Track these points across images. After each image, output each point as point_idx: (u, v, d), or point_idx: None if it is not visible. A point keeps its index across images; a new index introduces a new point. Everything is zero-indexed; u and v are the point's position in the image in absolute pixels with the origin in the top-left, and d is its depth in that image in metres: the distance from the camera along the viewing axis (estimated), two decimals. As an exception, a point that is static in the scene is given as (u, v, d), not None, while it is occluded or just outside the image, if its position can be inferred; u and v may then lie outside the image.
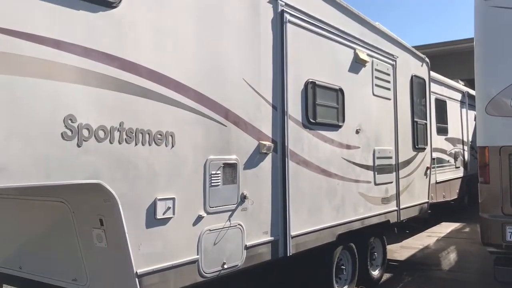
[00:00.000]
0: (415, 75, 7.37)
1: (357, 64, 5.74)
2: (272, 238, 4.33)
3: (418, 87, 7.47)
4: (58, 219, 3.36)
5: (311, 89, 4.86)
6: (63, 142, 2.69)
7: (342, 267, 5.59)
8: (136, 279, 3.06)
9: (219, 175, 3.78)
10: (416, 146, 7.28)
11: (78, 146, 2.77)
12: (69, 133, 2.71)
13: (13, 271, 3.88)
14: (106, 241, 3.12)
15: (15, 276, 3.90)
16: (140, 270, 3.10)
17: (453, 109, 11.61)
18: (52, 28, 2.65)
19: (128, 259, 3.02)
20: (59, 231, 3.45)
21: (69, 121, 2.71)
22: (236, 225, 3.92)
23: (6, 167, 2.45)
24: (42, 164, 2.60)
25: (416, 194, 7.29)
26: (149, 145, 3.22)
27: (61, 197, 3.25)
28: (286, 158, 4.50)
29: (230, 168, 3.90)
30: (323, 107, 5.06)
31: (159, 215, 3.27)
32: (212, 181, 3.71)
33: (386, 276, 6.72)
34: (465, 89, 12.73)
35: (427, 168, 7.72)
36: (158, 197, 3.27)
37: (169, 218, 3.35)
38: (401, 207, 6.68)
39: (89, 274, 3.33)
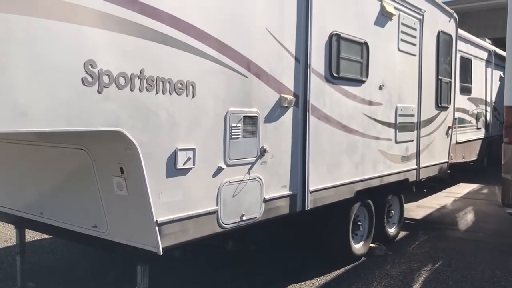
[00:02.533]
0: (442, 31, 7.10)
1: (383, 17, 5.52)
2: (291, 192, 4.31)
3: (444, 44, 7.21)
4: (79, 166, 3.37)
5: (335, 41, 4.70)
6: (84, 88, 2.64)
7: (359, 223, 5.59)
8: (156, 227, 3.07)
9: (240, 127, 3.73)
10: (439, 105, 7.11)
11: (99, 92, 2.72)
12: (89, 78, 2.65)
13: (35, 216, 3.95)
14: (127, 189, 3.12)
15: (36, 222, 3.97)
16: (160, 219, 3.11)
17: (478, 68, 11.27)
18: (71, -31, 2.55)
19: (148, 207, 3.02)
20: (79, 179, 3.46)
21: (90, 67, 2.65)
22: (255, 178, 3.90)
23: (27, 112, 2.41)
24: (63, 109, 2.56)
25: (436, 154, 7.18)
26: (170, 94, 3.16)
27: (82, 144, 3.23)
28: (307, 113, 4.41)
29: (250, 121, 3.84)
30: (347, 61, 4.91)
31: (180, 165, 3.25)
32: (232, 133, 3.66)
33: (402, 234, 6.73)
34: (492, 48, 12.30)
35: (449, 127, 7.56)
36: (179, 147, 3.24)
37: (189, 169, 3.33)
38: (420, 166, 6.59)
39: (109, 221, 3.36)
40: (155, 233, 3.08)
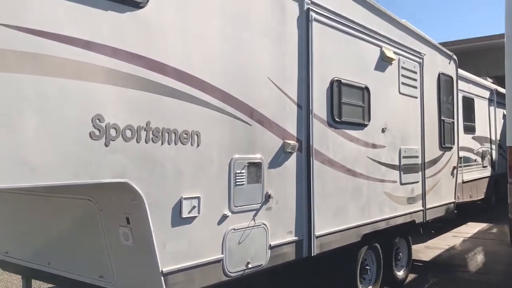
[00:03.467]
0: (442, 73, 7.23)
1: (383, 62, 5.66)
2: (297, 238, 4.31)
3: (445, 85, 7.33)
4: (85, 216, 3.41)
5: (336, 87, 4.81)
6: (91, 141, 2.72)
7: (367, 267, 5.53)
8: (162, 277, 3.08)
9: (244, 174, 3.78)
10: (443, 145, 7.16)
11: (106, 145, 2.79)
12: (97, 132, 2.74)
13: (42, 266, 3.95)
14: (133, 239, 3.15)
15: (43, 272, 3.97)
16: (165, 269, 3.12)
17: (481, 107, 11.37)
18: (80, 29, 2.68)
19: (154, 257, 3.04)
20: (86, 229, 3.49)
21: (97, 121, 2.74)
22: (260, 225, 3.91)
23: (36, 167, 2.49)
24: (71, 163, 2.64)
25: (443, 194, 7.16)
26: (175, 144, 3.23)
27: (89, 195, 3.29)
28: (311, 158, 4.46)
29: (254, 167, 3.89)
30: (349, 106, 5.00)
31: (185, 214, 3.28)
32: (237, 180, 3.71)
33: (411, 276, 6.63)
34: (494, 86, 12.45)
35: (454, 167, 7.58)
36: (184, 196, 3.28)
37: (194, 217, 3.36)
38: (427, 207, 6.57)
39: (115, 271, 3.37)
40: (160, 283, 3.08)
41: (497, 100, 12.37)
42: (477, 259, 7.88)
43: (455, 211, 7.82)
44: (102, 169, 2.79)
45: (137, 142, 2.98)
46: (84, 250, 3.58)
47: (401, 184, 5.98)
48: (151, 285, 3.15)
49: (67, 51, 2.60)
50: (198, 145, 3.40)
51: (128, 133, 2.92)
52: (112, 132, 2.82)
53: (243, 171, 3.77)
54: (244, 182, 3.78)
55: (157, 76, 3.09)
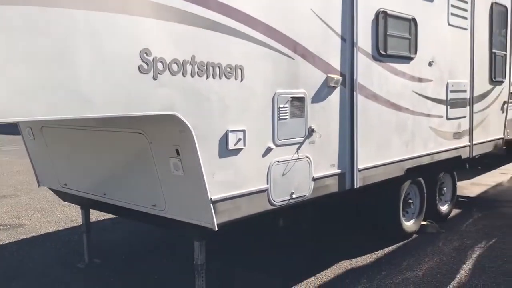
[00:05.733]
0: (495, 3, 6.84)
1: (432, -9, 5.42)
2: (339, 171, 4.38)
3: (498, 15, 6.95)
4: (137, 149, 3.59)
5: (382, 19, 4.68)
6: (140, 75, 2.82)
7: (410, 201, 5.59)
8: (211, 204, 3.25)
9: (287, 108, 3.83)
10: (494, 79, 6.90)
11: (154, 79, 2.89)
12: (145, 66, 2.83)
13: (98, 197, 4.23)
14: (183, 170, 3.31)
15: (100, 202, 4.26)
16: (214, 197, 3.28)
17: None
18: (125, -37, 2.71)
19: (203, 186, 3.20)
20: (138, 161, 3.68)
21: (145, 55, 2.82)
22: (304, 157, 4.00)
23: (91, 99, 2.62)
24: (122, 96, 2.76)
25: (491, 130, 6.99)
26: (220, 78, 3.30)
27: (140, 128, 3.44)
28: (355, 92, 4.44)
29: (297, 102, 3.93)
30: (395, 38, 4.87)
31: (231, 146, 3.40)
32: (280, 114, 3.77)
33: (455, 211, 6.66)
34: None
35: (504, 102, 7.33)
36: (230, 129, 3.39)
37: (240, 149, 3.48)
38: (474, 142, 6.46)
39: (167, 200, 3.58)
40: (210, 210, 3.26)
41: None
42: (525, 195, 7.77)
43: (504, 148, 7.64)
44: (151, 102, 2.91)
45: (183, 76, 3.06)
46: (137, 181, 3.80)
47: (448, 119, 5.87)
48: (201, 212, 3.33)
49: (114, -14, 2.66)
50: (242, 79, 3.45)
51: (175, 66, 3.00)
52: (159, 65, 2.91)
53: (286, 105, 3.82)
54: (287, 116, 3.84)
55: (201, 9, 3.11)
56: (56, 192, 4.84)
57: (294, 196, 3.91)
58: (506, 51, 7.24)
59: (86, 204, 4.79)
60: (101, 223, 6.49)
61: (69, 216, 6.88)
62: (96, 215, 6.41)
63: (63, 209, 7.25)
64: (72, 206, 7.24)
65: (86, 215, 4.97)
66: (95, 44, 2.59)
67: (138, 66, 2.80)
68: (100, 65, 2.62)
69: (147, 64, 2.84)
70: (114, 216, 6.46)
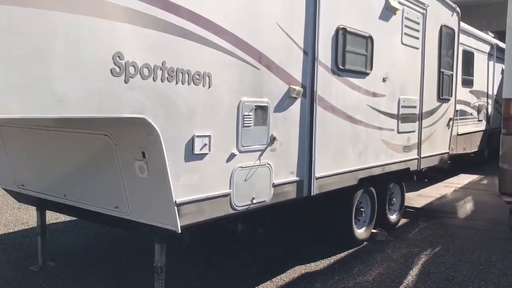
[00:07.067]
0: (444, 25, 7.30)
1: (387, 12, 5.73)
2: (298, 178, 4.56)
3: (446, 37, 7.41)
4: (102, 151, 3.61)
5: (341, 35, 4.93)
6: (112, 78, 2.88)
7: (362, 209, 5.85)
8: (175, 207, 3.33)
9: (251, 116, 3.97)
10: (441, 97, 7.33)
11: (125, 82, 2.96)
12: (117, 69, 2.89)
13: (58, 198, 4.20)
14: (148, 172, 3.37)
15: (59, 203, 4.22)
16: (179, 200, 3.36)
17: (480, 62, 11.46)
18: (102, -32, 2.78)
19: (168, 189, 3.27)
20: (102, 162, 3.71)
21: (118, 58, 2.89)
22: (265, 164, 4.14)
23: (63, 100, 2.66)
24: (94, 97, 2.81)
25: (437, 144, 7.41)
26: (188, 84, 3.40)
27: (106, 130, 3.48)
28: (314, 103, 4.65)
29: (261, 110, 4.08)
30: (352, 54, 5.14)
31: (197, 151, 3.50)
32: (245, 121, 3.91)
33: (403, 221, 7.00)
34: (494, 41, 12.47)
35: (450, 119, 7.79)
36: (196, 134, 3.49)
37: (205, 154, 3.58)
38: (422, 155, 6.83)
39: (130, 202, 3.62)
40: (174, 212, 3.33)
41: (497, 55, 12.43)
42: (466, 207, 8.26)
43: (449, 162, 8.10)
44: (122, 104, 2.97)
45: (154, 80, 3.14)
46: (100, 183, 3.82)
47: (398, 132, 6.20)
48: (165, 215, 3.40)
49: (90, -11, 2.72)
50: (209, 86, 3.57)
51: (146, 71, 3.08)
52: (131, 69, 2.98)
53: (250, 113, 3.96)
54: (251, 124, 3.98)
55: (173, 17, 3.21)
56: (11, 192, 4.76)
57: (254, 201, 4.04)
58: (452, 71, 7.71)
59: (43, 206, 4.72)
60: (55, 225, 6.37)
61: (20, 218, 6.70)
62: (50, 217, 6.29)
63: (12, 211, 7.05)
64: (23, 209, 7.06)
65: (42, 217, 4.89)
66: (70, 45, 2.63)
67: (111, 69, 2.86)
68: (74, 66, 2.67)
69: (119, 68, 2.91)
70: (70, 218, 6.39)
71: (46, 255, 4.94)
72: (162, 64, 3.19)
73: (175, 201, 3.33)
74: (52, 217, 6.44)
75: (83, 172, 3.93)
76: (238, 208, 3.91)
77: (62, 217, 6.54)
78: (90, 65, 2.75)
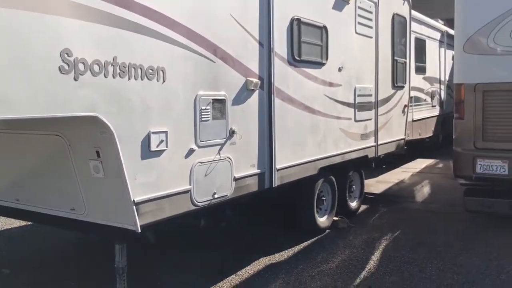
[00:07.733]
0: (396, 14, 7.43)
1: (341, 2, 5.78)
2: (259, 170, 4.55)
3: (399, 25, 7.55)
4: (55, 152, 3.48)
5: (296, 26, 4.93)
6: (61, 75, 2.77)
7: (323, 198, 5.91)
8: (134, 206, 3.25)
9: (209, 110, 3.92)
10: (395, 84, 7.48)
11: (75, 79, 2.85)
12: (66, 67, 2.78)
13: (9, 203, 4.04)
14: (103, 172, 3.27)
15: (11, 208, 4.06)
16: (137, 198, 3.28)
17: (431, 49, 11.75)
18: (44, -39, 2.65)
19: (125, 188, 3.19)
20: (55, 164, 3.58)
21: (66, 55, 2.78)
22: (225, 158, 4.11)
23: (7, 99, 2.53)
24: (42, 97, 2.69)
25: (394, 131, 7.57)
26: (141, 79, 3.31)
27: (57, 130, 3.35)
28: (272, 95, 4.64)
29: (219, 104, 4.03)
30: (308, 45, 5.15)
31: (153, 147, 3.42)
32: (202, 116, 3.85)
33: (363, 207, 7.12)
34: (445, 28, 12.82)
35: (405, 106, 7.96)
36: (152, 130, 3.41)
37: (163, 151, 3.51)
38: (379, 143, 6.96)
39: (86, 203, 3.51)
40: (132, 212, 3.25)
41: (448, 42, 12.78)
42: (424, 191, 8.49)
43: (405, 147, 8.30)
44: (72, 103, 2.86)
45: (105, 76, 3.04)
46: (54, 185, 3.69)
47: (356, 121, 6.29)
48: (124, 215, 3.31)
49: (32, -17, 2.59)
50: (164, 81, 3.49)
51: (96, 67, 2.97)
52: (81, 66, 2.87)
53: (208, 107, 3.91)
54: (209, 118, 3.93)
55: (124, 11, 3.11)
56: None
57: (216, 196, 4.00)
58: (406, 59, 7.88)
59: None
60: (10, 231, 6.12)
61: (-28, 225, 6.40)
62: (4, 223, 6.06)
63: (-36, 218, 6.73)
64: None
65: (-7, 223, 4.69)
66: (12, 42, 2.50)
67: (59, 67, 2.75)
68: (18, 64, 2.54)
69: (68, 65, 2.79)
70: (26, 223, 6.16)
71: (0, 262, 4.74)
72: (113, 60, 3.09)
73: (133, 200, 3.26)
74: (7, 222, 6.20)
75: (35, 175, 3.79)
76: (200, 204, 3.86)
77: (18, 222, 6.30)
78: (36, 63, 2.63)
